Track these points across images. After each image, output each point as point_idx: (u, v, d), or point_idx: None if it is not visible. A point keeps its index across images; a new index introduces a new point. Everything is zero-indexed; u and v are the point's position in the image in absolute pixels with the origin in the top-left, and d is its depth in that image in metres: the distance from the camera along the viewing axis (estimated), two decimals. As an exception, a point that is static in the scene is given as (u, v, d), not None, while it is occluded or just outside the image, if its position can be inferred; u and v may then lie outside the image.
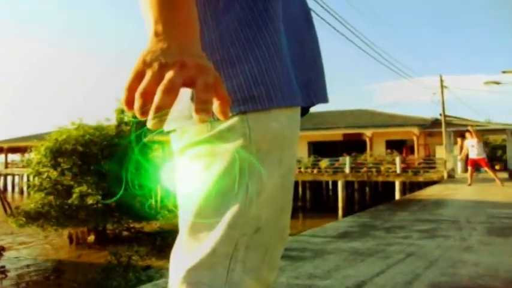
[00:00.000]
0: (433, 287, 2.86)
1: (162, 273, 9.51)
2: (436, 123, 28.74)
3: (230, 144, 0.84)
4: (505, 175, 21.05)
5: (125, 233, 16.76)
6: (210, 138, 0.86)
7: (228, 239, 0.84)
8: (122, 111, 17.47)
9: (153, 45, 0.67)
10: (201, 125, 0.86)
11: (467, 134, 13.74)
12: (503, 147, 30.00)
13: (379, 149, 30.30)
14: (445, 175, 21.23)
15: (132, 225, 16.60)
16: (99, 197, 15.85)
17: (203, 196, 0.85)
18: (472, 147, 13.34)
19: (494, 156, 31.62)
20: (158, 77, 0.62)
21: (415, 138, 30.26)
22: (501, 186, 13.08)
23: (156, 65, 0.63)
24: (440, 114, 24.67)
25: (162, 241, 14.51)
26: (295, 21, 1.02)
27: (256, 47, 0.88)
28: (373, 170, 24.91)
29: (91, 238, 16.22)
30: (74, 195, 15.39)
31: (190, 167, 0.89)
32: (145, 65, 0.64)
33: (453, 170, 22.12)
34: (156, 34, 0.69)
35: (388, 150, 29.04)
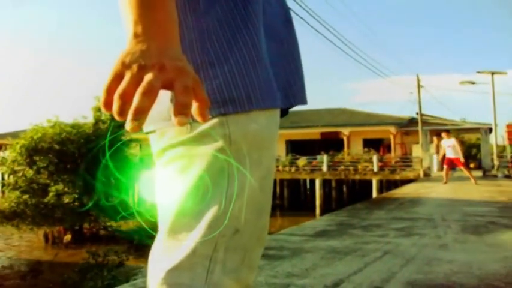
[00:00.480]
0: (409, 285, 2.90)
1: (140, 272, 9.46)
2: (412, 122, 29.11)
3: (210, 145, 0.84)
4: (479, 173, 21.42)
5: (102, 232, 16.60)
6: (189, 140, 0.86)
7: (208, 240, 0.84)
8: (99, 109, 17.31)
9: (132, 47, 0.67)
10: (180, 127, 0.86)
11: (443, 134, 13.95)
12: (477, 146, 30.52)
13: (357, 148, 30.57)
14: (422, 173, 21.52)
15: (109, 224, 16.43)
16: (76, 196, 15.70)
17: (183, 197, 0.85)
18: (449, 147, 13.56)
19: (469, 154, 32.15)
20: (137, 79, 0.62)
21: (392, 137, 30.62)
22: (475, 184, 13.32)
23: (135, 67, 0.63)
24: (417, 113, 24.98)
25: (140, 240, 14.44)
26: (274, 22, 1.02)
27: (236, 48, 0.88)
28: (351, 168, 25.11)
29: (67, 237, 16.04)
30: (50, 194, 15.19)
31: (169, 168, 0.89)
32: (124, 66, 0.64)
33: (429, 168, 22.43)
34: (136, 35, 0.69)
35: (366, 149, 29.32)
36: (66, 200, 15.19)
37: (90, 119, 17.88)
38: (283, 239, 4.64)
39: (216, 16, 0.89)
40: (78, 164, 15.76)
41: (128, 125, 0.60)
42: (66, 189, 15.52)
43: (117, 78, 0.63)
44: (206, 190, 0.84)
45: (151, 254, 1.19)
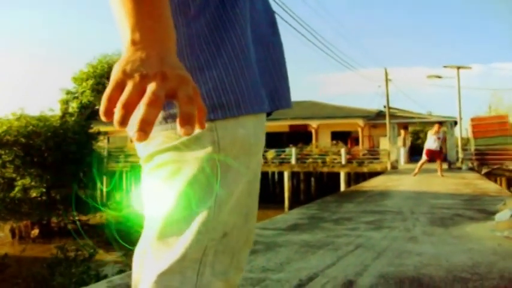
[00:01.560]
0: (382, 278, 3.00)
1: (111, 266, 9.40)
2: (380, 115, 29.47)
3: (199, 151, 0.86)
4: (444, 166, 21.89)
5: (70, 226, 16.38)
6: (178, 146, 0.87)
7: (198, 244, 0.86)
8: (67, 102, 17.07)
9: (132, 55, 0.67)
10: (169, 132, 0.87)
11: (435, 126, 14.11)
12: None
13: (325, 140, 30.81)
14: (389, 166, 21.84)
15: (77, 218, 16.23)
16: (44, 190, 15.47)
17: (172, 203, 0.87)
18: (438, 138, 13.71)
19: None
20: (140, 88, 0.63)
21: (359, 129, 30.95)
22: (441, 176, 13.62)
23: (137, 76, 0.64)
24: (385, 107, 25.29)
25: (109, 234, 14.30)
26: (260, 26, 1.04)
27: (225, 53, 0.90)
28: (319, 161, 25.24)
29: (35, 232, 15.78)
30: (17, 188, 14.93)
31: (158, 173, 0.90)
32: (126, 75, 0.64)
33: (396, 161, 22.77)
34: (134, 43, 0.69)
35: (334, 142, 29.54)
36: (33, 194, 14.97)
37: (57, 112, 17.59)
38: (256, 233, 4.69)
39: (205, 20, 0.91)
40: (46, 157, 15.51)
41: (135, 136, 0.62)
42: (33, 183, 15.27)
43: (119, 87, 0.64)
44: (195, 195, 0.86)
45: (135, 255, 1.22)
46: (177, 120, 0.64)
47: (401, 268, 3.24)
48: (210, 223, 0.87)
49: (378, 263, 3.38)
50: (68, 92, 19.39)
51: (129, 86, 0.63)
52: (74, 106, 18.55)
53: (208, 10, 0.92)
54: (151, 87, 0.63)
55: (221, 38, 0.91)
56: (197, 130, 0.84)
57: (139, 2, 0.71)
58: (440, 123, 14.61)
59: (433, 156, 14.00)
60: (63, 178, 15.47)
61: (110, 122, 0.63)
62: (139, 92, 0.63)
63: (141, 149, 0.95)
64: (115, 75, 0.64)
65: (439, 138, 13.80)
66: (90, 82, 18.70)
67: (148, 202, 0.95)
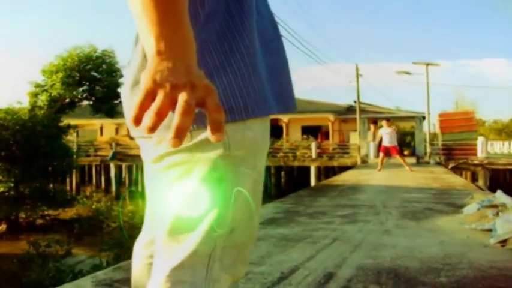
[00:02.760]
0: (360, 269, 3.12)
1: (83, 262, 9.33)
2: (350, 109, 29.83)
3: (210, 153, 0.91)
4: (413, 160, 22.36)
5: (40, 221, 16.12)
6: (190, 147, 0.92)
7: (207, 241, 0.92)
8: (36, 95, 16.74)
9: (158, 64, 0.71)
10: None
11: (383, 122, 14.47)
12: (412, 134, 31.66)
13: (295, 135, 30.99)
14: (359, 160, 22.15)
15: (47, 213, 15.97)
16: (12, 184, 15.17)
17: (183, 201, 0.93)
18: (387, 134, 14.08)
19: (403, 142, 33.38)
20: (171, 98, 0.68)
21: (330, 124, 31.30)
22: (410, 171, 13.92)
23: (168, 86, 0.69)
24: (355, 101, 25.56)
25: (80, 228, 14.16)
26: (265, 32, 1.09)
27: (233, 59, 0.95)
28: (290, 155, 25.28)
29: (2, 227, 15.45)
30: (-17, 183, 14.59)
31: (169, 173, 0.95)
32: (157, 85, 0.69)
33: (366, 155, 23.10)
34: (159, 52, 0.73)
35: (304, 136, 29.76)
36: (0, 189, 14.66)
37: (25, 105, 17.25)
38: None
39: (214, 27, 0.96)
40: (13, 151, 15.21)
41: (170, 142, 0.67)
42: (0, 177, 14.96)
43: (150, 95, 0.69)
44: (206, 194, 0.92)
45: (135, 250, 1.28)
46: (208, 127, 0.70)
47: (378, 260, 3.37)
48: (220, 221, 0.92)
49: (355, 256, 3.50)
50: (37, 85, 19.04)
51: (160, 95, 0.69)
52: (43, 99, 18.23)
53: (217, 18, 0.96)
54: (182, 96, 0.68)
55: (229, 45, 0.95)
56: (208, 132, 0.91)
57: (163, 12, 0.75)
58: (388, 120, 14.94)
59: (387, 151, 14.34)
60: (32, 172, 15.19)
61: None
62: (170, 101, 0.69)
63: (151, 150, 0.99)
64: (146, 84, 0.70)
65: (388, 133, 14.14)
66: (60, 75, 18.38)
67: (160, 201, 1.00)
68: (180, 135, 0.68)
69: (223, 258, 0.97)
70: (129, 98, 1.02)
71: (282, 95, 1.11)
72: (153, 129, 0.68)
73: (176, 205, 0.93)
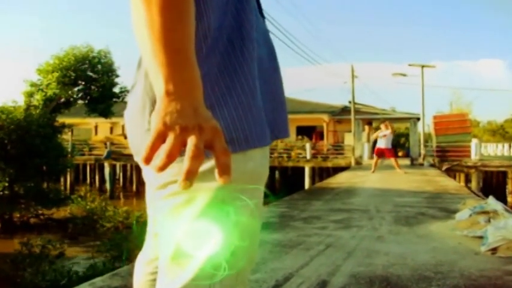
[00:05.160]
0: (353, 277, 3.18)
1: (78, 261, 9.34)
2: (345, 110, 29.90)
3: (212, 182, 0.93)
4: (407, 162, 22.49)
5: (33, 220, 16.09)
6: None
7: (209, 266, 0.97)
8: (31, 94, 16.70)
9: (168, 105, 0.76)
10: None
11: (382, 125, 14.57)
12: (406, 135, 31.79)
13: (290, 135, 31.01)
14: (353, 161, 22.21)
15: (40, 212, 15.95)
16: (6, 184, 15.15)
17: (186, 227, 0.97)
18: (384, 137, 14.18)
19: (397, 143, 33.51)
20: (181, 141, 0.74)
21: (324, 124, 31.35)
22: (403, 174, 13.99)
23: (177, 129, 0.74)
24: (350, 102, 25.61)
25: (74, 228, 14.15)
26: (263, 61, 1.12)
27: (234, 91, 0.98)
28: (284, 155, 25.30)
29: (-4, 227, 15.44)
30: (-23, 182, 14.56)
31: (172, 200, 0.99)
32: (167, 127, 0.74)
33: (360, 157, 23.17)
34: (168, 93, 0.77)
35: (299, 136, 29.81)
36: (-6, 188, 14.64)
37: (20, 104, 17.22)
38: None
39: (216, 60, 0.99)
40: (8, 150, 15.20)
41: (181, 184, 0.73)
42: (-5, 176, 14.94)
43: (160, 137, 0.75)
44: (208, 221, 0.96)
45: (137, 265, 1.34)
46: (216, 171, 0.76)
47: (370, 268, 3.43)
48: (221, 247, 0.96)
49: (348, 263, 3.56)
50: (33, 84, 19.01)
51: (170, 138, 0.74)
52: (38, 98, 18.21)
53: (218, 50, 1.00)
54: (192, 140, 0.74)
55: (231, 78, 0.99)
56: (210, 163, 0.93)
57: (172, 53, 0.79)
58: (385, 121, 15.08)
59: (382, 153, 14.45)
60: (26, 172, 15.18)
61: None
62: (180, 143, 0.74)
63: (155, 177, 1.03)
64: (156, 126, 0.75)
65: (384, 135, 14.25)
66: (56, 74, 18.36)
67: (163, 227, 1.05)
68: (190, 177, 0.73)
69: (224, 281, 1.01)
70: (135, 121, 1.06)
71: (275, 122, 1.15)
72: (162, 169, 0.74)
73: (179, 232, 0.97)
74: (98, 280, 3.14)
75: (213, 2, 0.99)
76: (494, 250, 3.89)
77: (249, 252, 1.11)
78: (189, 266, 0.97)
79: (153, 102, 0.94)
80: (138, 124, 1.03)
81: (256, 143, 1.01)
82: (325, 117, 30.93)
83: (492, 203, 5.45)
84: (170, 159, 0.74)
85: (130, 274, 1.82)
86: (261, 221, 1.13)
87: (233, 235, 1.00)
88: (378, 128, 15.49)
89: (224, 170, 0.75)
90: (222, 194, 0.97)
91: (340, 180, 12.94)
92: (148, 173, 1.08)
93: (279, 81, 1.22)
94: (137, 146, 1.06)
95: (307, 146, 25.02)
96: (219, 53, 1.00)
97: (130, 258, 6.17)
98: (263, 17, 1.23)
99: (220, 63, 0.99)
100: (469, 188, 13.22)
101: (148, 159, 0.75)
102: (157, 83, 0.80)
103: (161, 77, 0.78)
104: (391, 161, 14.71)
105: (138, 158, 1.10)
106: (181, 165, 1.00)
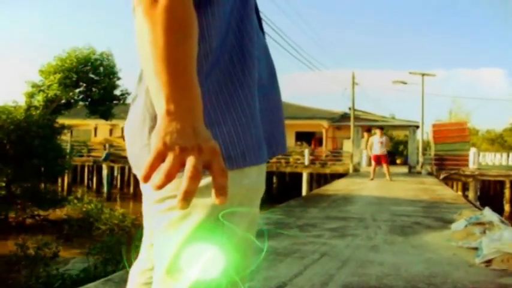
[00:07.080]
0: (346, 288, 3.18)
1: (73, 264, 9.30)
2: (344, 116, 29.91)
3: (208, 198, 0.93)
4: (405, 169, 22.51)
5: (29, 221, 16.03)
6: None
7: (204, 280, 0.97)
8: (32, 95, 16.68)
9: (168, 125, 0.78)
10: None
11: (377, 131, 14.63)
12: (405, 143, 31.81)
13: (289, 140, 30.75)
14: (351, 168, 22.19)
15: (36, 213, 15.89)
16: (3, 184, 15.12)
17: (181, 242, 0.98)
18: (379, 143, 14.25)
19: (396, 150, 33.53)
20: (180, 161, 0.75)
21: (324, 131, 31.37)
22: (390, 180, 14.22)
23: (177, 149, 0.75)
24: (350, 109, 25.60)
25: (70, 229, 14.10)
26: (262, 77, 1.14)
27: (233, 109, 0.99)
28: (282, 161, 25.24)
29: (-9, 227, 15.37)
30: (-26, 182, 14.52)
31: (168, 215, 1.00)
32: (167, 147, 0.76)
33: (359, 164, 23.16)
34: (168, 113, 0.78)
35: (298, 142, 29.82)
36: (-9, 188, 14.60)
37: (21, 104, 17.21)
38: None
39: (216, 78, 1.00)
40: (7, 150, 15.18)
41: (179, 204, 0.74)
42: (-8, 177, 14.90)
43: (160, 157, 0.76)
44: (201, 238, 0.97)
45: (131, 275, 1.35)
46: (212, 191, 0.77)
47: (364, 278, 3.43)
48: (215, 261, 0.97)
49: (342, 273, 3.56)
50: (34, 85, 18.99)
51: (170, 158, 0.76)
52: (39, 99, 18.20)
53: (219, 67, 1.01)
54: (191, 161, 0.75)
55: (230, 96, 1.00)
56: (207, 180, 0.91)
57: (174, 74, 0.80)
58: (382, 128, 15.12)
59: (379, 160, 14.50)
60: (24, 172, 15.16)
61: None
62: (179, 163, 0.76)
63: (152, 192, 1.04)
64: (156, 145, 0.77)
65: (381, 142, 14.31)
66: (58, 76, 18.34)
67: (159, 240, 1.05)
68: (188, 198, 0.74)
69: None
70: (134, 135, 1.07)
71: (273, 138, 1.16)
72: (160, 188, 0.75)
73: (174, 246, 0.98)
74: (91, 285, 3.14)
75: (216, 23, 1.01)
76: (488, 262, 3.89)
77: (242, 266, 1.11)
78: (183, 281, 0.98)
79: (153, 118, 0.96)
80: (137, 138, 1.05)
81: (253, 160, 1.02)
82: (325, 123, 30.94)
83: (488, 214, 5.46)
84: (169, 178, 0.75)
85: (124, 280, 1.82)
86: (255, 233, 1.13)
87: (228, 251, 1.00)
88: (373, 134, 15.47)
89: (221, 191, 0.77)
90: (218, 210, 0.97)
91: (337, 187, 12.94)
92: (146, 187, 1.09)
93: (277, 97, 1.24)
94: (135, 159, 1.08)
95: (306, 151, 24.98)
96: (220, 71, 1.01)
97: (122, 262, 6.14)
98: (263, 31, 1.24)
99: (221, 81, 1.01)
100: (466, 198, 13.22)
101: (147, 178, 0.76)
102: (158, 101, 0.81)
103: (162, 96, 0.80)
104: (383, 166, 14.73)
105: (136, 172, 1.11)
106: (179, 181, 1.01)
